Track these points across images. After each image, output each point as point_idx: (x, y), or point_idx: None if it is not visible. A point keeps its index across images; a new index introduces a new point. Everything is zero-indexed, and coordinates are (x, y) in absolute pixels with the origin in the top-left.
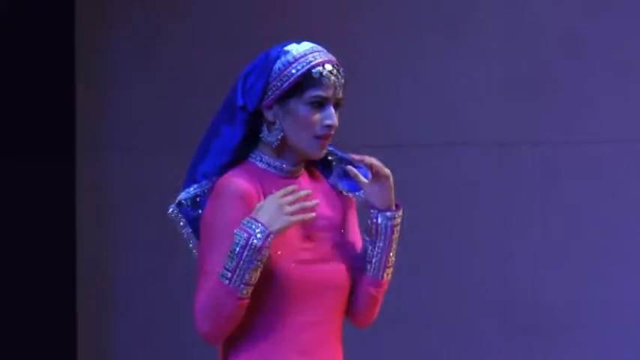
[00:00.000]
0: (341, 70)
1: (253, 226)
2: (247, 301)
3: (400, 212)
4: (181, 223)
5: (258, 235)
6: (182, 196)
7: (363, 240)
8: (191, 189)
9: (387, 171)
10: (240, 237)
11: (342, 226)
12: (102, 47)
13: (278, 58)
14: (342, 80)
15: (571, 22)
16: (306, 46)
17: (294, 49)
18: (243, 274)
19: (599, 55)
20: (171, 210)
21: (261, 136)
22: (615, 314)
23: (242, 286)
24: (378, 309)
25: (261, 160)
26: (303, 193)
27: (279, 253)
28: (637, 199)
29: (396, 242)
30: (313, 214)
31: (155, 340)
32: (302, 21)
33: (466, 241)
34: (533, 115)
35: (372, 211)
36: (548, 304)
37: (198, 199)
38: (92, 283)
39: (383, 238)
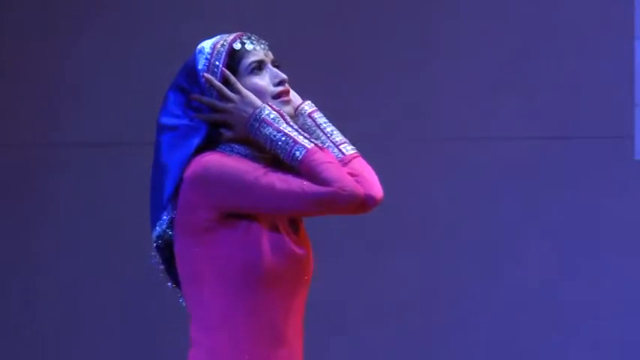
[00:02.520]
0: (255, 35)
1: (257, 116)
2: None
3: (306, 102)
4: (161, 274)
5: (266, 111)
6: (157, 231)
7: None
8: (163, 217)
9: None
10: (268, 129)
11: None
12: None
13: (197, 60)
14: (266, 43)
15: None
16: (213, 37)
17: (206, 43)
18: (302, 135)
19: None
20: (155, 260)
21: (223, 137)
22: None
23: (311, 140)
24: (370, 179)
25: (232, 150)
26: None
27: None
28: None
29: (328, 123)
30: None
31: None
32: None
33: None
34: None
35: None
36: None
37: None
38: None
39: (314, 129)
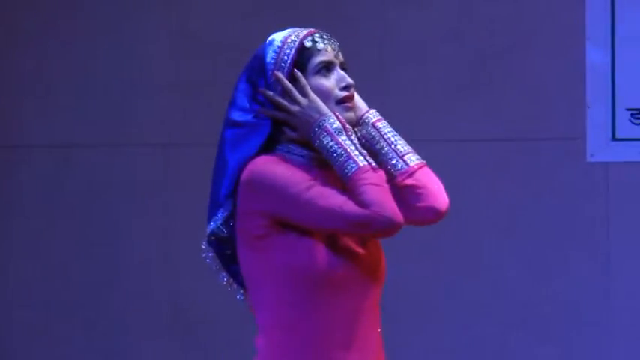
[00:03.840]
0: (327, 34)
1: (321, 123)
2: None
3: (370, 110)
4: (214, 267)
5: (331, 121)
6: (211, 227)
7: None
8: (219, 214)
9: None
10: (327, 139)
11: None
12: None
13: (266, 52)
14: (337, 43)
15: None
16: (285, 30)
17: (277, 36)
18: (359, 151)
19: None
20: (204, 254)
21: (284, 136)
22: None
23: (367, 158)
24: (435, 190)
25: (288, 152)
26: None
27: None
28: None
29: (393, 133)
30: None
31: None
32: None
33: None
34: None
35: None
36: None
37: (230, 223)
38: None
39: (377, 139)
